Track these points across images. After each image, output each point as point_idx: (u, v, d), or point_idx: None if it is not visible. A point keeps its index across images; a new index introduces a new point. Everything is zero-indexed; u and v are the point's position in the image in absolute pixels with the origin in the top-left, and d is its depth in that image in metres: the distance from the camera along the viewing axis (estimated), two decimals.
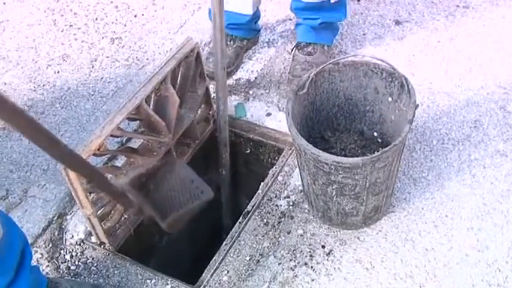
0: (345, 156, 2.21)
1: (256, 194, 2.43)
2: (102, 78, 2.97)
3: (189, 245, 2.93)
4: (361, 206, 2.10)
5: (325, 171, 1.97)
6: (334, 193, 2.06)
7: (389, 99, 2.16)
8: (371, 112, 2.26)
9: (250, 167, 2.85)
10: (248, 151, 2.79)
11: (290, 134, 2.05)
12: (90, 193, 2.16)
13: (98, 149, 2.09)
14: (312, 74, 2.13)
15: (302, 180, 2.21)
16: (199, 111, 2.58)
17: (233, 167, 2.79)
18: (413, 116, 1.95)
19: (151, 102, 2.32)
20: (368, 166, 1.92)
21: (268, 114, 2.71)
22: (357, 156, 2.20)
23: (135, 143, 2.56)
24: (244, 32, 2.94)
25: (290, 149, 2.58)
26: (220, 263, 2.20)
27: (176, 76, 2.40)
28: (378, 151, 2.14)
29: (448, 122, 2.50)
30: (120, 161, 2.56)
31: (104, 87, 2.92)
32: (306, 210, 2.30)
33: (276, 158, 2.70)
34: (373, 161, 1.90)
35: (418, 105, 1.98)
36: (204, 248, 3.02)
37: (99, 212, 2.21)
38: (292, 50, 2.86)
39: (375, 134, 2.29)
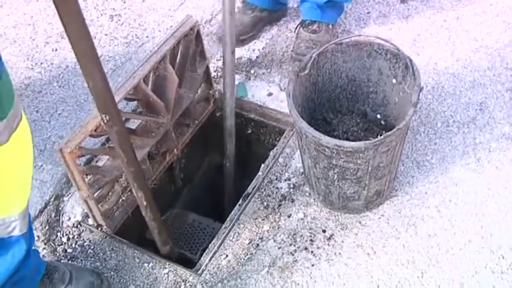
0: (347, 139, 2.15)
1: (257, 176, 2.37)
2: (100, 56, 2.83)
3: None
4: (363, 191, 2.04)
5: (326, 155, 1.91)
6: (335, 177, 2.00)
7: (394, 80, 2.09)
8: (374, 94, 2.19)
9: (251, 147, 2.79)
10: (249, 131, 2.73)
11: (292, 116, 1.98)
12: (86, 175, 2.11)
13: (95, 130, 2.04)
14: (314, 55, 2.06)
15: (303, 162, 2.15)
16: (199, 91, 2.51)
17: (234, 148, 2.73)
18: (418, 99, 1.89)
19: (150, 82, 2.25)
20: (371, 150, 1.86)
21: (270, 94, 2.64)
22: (360, 139, 2.14)
23: (133, 124, 2.49)
24: (264, 2, 2.83)
25: (291, 130, 2.52)
26: (219, 247, 2.15)
27: (175, 55, 2.33)
28: (381, 134, 2.08)
29: (453, 103, 2.43)
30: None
31: (103, 66, 2.83)
32: (307, 194, 2.25)
33: (277, 139, 2.64)
34: (376, 146, 1.84)
35: (422, 88, 1.91)
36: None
37: (96, 194, 2.16)
38: (296, 28, 2.78)
39: (378, 116, 2.22)
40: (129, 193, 2.34)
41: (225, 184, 2.77)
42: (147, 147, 2.24)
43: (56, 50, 2.99)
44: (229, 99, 2.45)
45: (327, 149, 1.88)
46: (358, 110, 2.26)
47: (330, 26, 2.74)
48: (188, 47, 2.36)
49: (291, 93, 1.98)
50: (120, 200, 2.32)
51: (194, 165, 2.81)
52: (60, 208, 2.35)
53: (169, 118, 2.29)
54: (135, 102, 2.54)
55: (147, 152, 2.25)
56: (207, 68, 2.51)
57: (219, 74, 2.74)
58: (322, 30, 2.70)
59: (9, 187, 1.53)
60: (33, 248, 1.85)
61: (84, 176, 2.08)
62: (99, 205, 2.19)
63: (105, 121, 1.61)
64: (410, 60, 1.98)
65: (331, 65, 2.14)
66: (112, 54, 2.90)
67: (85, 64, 1.45)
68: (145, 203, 1.98)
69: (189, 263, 2.27)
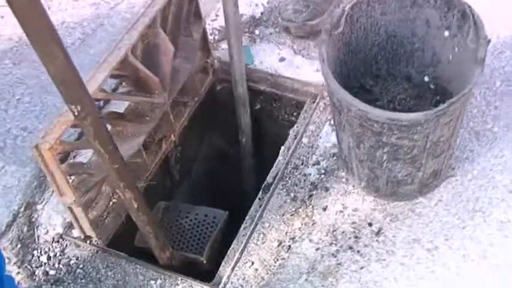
0: (394, 110, 2.08)
1: (277, 162, 2.31)
2: (63, 23, 2.79)
3: None
4: (418, 172, 1.99)
5: (374, 131, 1.85)
6: (384, 158, 1.94)
7: (446, 33, 2.03)
8: (421, 51, 2.13)
9: (262, 126, 2.73)
10: (258, 107, 2.67)
11: (325, 85, 1.92)
12: (70, 175, 2.02)
13: None
14: (347, 8, 1.99)
15: (340, 142, 2.08)
16: (196, 60, 2.42)
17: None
18: (485, 54, 1.82)
19: (138, 53, 2.16)
20: (431, 122, 1.80)
21: (282, 60, 2.57)
22: (409, 108, 2.08)
23: (118, 106, 2.40)
24: None
25: (313, 102, 2.45)
26: (241, 253, 2.09)
27: (166, 17, 2.24)
28: (436, 101, 2.03)
29: None
30: None
31: (68, 35, 2.74)
32: (343, 180, 2.19)
33: (295, 114, 2.58)
34: (438, 116, 1.78)
35: (489, 40, 1.85)
36: None
37: (82, 199, 2.07)
38: None
39: (426, 78, 2.17)
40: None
41: (243, 168, 2.69)
42: (143, 135, 2.16)
43: (3, 17, 2.86)
44: (238, 63, 2.37)
45: (375, 124, 1.82)
46: (400, 72, 2.20)
47: None
48: (181, 6, 2.28)
49: (325, 57, 1.90)
50: (111, 203, 2.23)
51: (191, 153, 2.74)
52: (33, 219, 2.26)
53: (166, 97, 2.20)
54: (115, 80, 2.45)
55: (143, 141, 2.16)
56: (204, 31, 2.43)
57: (215, 37, 2.66)
58: None
59: None
60: (4, 273, 1.76)
61: (68, 177, 1.98)
62: (86, 212, 2.10)
63: (76, 113, 1.49)
64: (470, 7, 1.92)
65: (366, 19, 2.07)
66: (78, 20, 2.80)
67: (40, 44, 1.32)
68: (135, 205, 1.89)
69: (196, 267, 2.24)
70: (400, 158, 1.93)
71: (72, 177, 2.05)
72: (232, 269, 2.06)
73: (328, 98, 2.39)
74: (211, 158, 2.83)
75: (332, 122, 2.35)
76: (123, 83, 2.30)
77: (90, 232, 2.14)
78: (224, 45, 2.59)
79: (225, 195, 2.79)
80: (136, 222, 1.92)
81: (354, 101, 1.81)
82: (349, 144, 1.99)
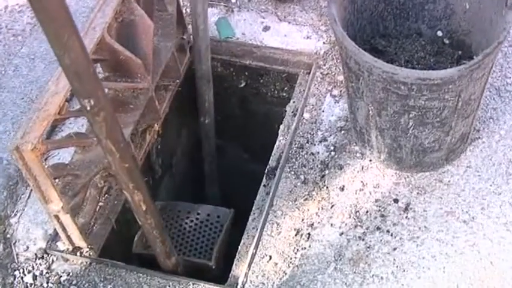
0: (414, 69, 2.07)
1: (278, 143, 2.27)
2: (6, 7, 2.67)
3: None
4: (447, 137, 1.99)
5: (400, 94, 1.83)
6: (410, 124, 1.93)
7: None
8: (432, 3, 2.14)
9: (247, 106, 2.68)
10: (243, 84, 2.62)
11: (341, 48, 1.89)
12: (55, 178, 1.93)
13: (59, 112, 1.86)
14: None
15: (355, 113, 2.06)
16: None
17: (222, 110, 2.61)
18: None
19: (113, 33, 2.08)
20: (465, 78, 1.80)
21: (266, 28, 2.54)
22: (430, 67, 2.07)
23: None
24: None
25: (308, 73, 2.42)
26: (256, 247, 2.05)
27: None
28: (457, 56, 2.03)
29: None
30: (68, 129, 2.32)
31: (14, 21, 2.62)
32: (358, 154, 2.18)
33: (286, 88, 2.55)
34: (472, 70, 1.78)
35: None
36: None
37: (70, 205, 1.99)
38: None
39: (439, 33, 2.17)
40: (107, 196, 2.18)
41: (203, 151, 2.67)
42: (129, 126, 2.09)
43: None
44: (203, 34, 2.32)
45: (402, 87, 1.80)
46: (409, 28, 2.19)
47: None
48: None
49: (336, 17, 1.87)
50: (98, 207, 2.16)
51: (171, 144, 2.67)
52: (8, 235, 2.16)
53: (150, 80, 2.13)
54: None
55: (130, 133, 2.09)
56: (178, 3, 2.36)
57: (187, 10, 2.59)
58: None
59: None
60: None
61: (53, 180, 1.90)
62: (74, 219, 2.02)
63: (88, 108, 1.43)
64: None
65: None
66: (24, 2, 2.69)
67: (54, 32, 1.25)
68: (144, 208, 1.83)
69: (203, 273, 2.18)
70: (428, 123, 1.92)
71: (57, 181, 1.95)
72: (249, 266, 2.02)
73: (325, 67, 2.37)
74: (192, 148, 2.77)
75: (333, 93, 2.33)
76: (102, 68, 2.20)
77: (79, 242, 2.07)
78: None
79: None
80: (142, 226, 1.86)
81: (377, 63, 1.79)
82: (369, 113, 1.97)
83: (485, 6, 1.96)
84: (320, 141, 2.24)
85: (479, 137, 2.15)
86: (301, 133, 2.26)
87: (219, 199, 2.86)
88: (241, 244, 2.08)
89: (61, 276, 2.07)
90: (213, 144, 2.69)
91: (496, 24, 1.88)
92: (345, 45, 1.83)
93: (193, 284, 2.02)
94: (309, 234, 2.05)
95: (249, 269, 2.01)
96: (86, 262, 2.08)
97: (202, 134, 2.65)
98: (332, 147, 2.21)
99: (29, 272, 2.09)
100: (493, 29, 1.89)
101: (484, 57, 1.76)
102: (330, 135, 2.24)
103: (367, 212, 2.06)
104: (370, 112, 1.97)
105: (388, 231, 2.02)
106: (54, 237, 2.12)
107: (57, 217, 1.98)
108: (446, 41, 2.16)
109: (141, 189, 1.73)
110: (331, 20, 1.87)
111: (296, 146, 2.24)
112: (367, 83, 1.87)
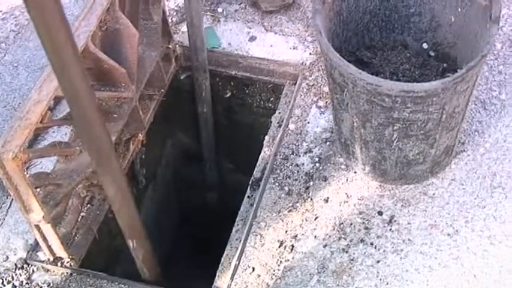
0: (399, 82, 2.08)
1: (262, 154, 2.28)
2: None
3: (157, 240, 2.77)
4: (431, 149, 2.00)
5: (385, 106, 1.84)
6: (394, 136, 1.94)
7: None
8: (417, 16, 2.15)
9: (233, 116, 2.69)
10: (228, 94, 2.64)
11: (326, 60, 1.90)
12: (36, 188, 1.93)
13: (41, 121, 1.86)
14: None
15: (340, 124, 2.07)
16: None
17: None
18: (500, 10, 1.84)
19: (97, 42, 2.09)
20: (449, 91, 1.81)
21: (252, 39, 2.55)
22: (415, 79, 2.08)
23: None
24: None
25: (294, 83, 2.43)
26: (239, 259, 2.05)
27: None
28: (441, 69, 2.05)
29: None
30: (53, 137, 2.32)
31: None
32: (343, 166, 2.19)
33: (272, 99, 2.56)
34: (456, 83, 1.79)
35: None
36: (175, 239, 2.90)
37: (52, 215, 1.99)
38: None
39: (425, 45, 2.18)
40: (89, 205, 2.19)
41: (202, 139, 2.68)
42: (112, 136, 2.08)
43: None
44: (198, 28, 2.36)
45: (386, 99, 1.81)
46: (394, 40, 2.21)
47: None
48: None
49: (321, 28, 1.88)
50: (80, 217, 2.16)
51: (156, 154, 2.68)
52: None
53: (134, 89, 2.14)
54: None
55: (114, 142, 2.09)
56: (164, 12, 2.38)
57: (173, 19, 2.61)
58: None
59: None
60: None
61: (35, 189, 1.90)
62: (56, 229, 2.02)
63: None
64: None
65: None
66: (7, 9, 2.72)
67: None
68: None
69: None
70: (413, 135, 1.93)
71: (38, 190, 1.95)
72: (232, 277, 2.02)
73: (311, 78, 2.38)
74: (176, 159, 2.78)
75: (319, 104, 2.34)
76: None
77: (60, 252, 2.07)
78: (184, 27, 2.54)
79: (194, 198, 2.76)
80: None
81: (361, 75, 1.80)
82: (354, 125, 1.98)
83: (470, 19, 1.97)
84: (305, 153, 2.24)
85: (464, 150, 2.16)
86: (286, 144, 2.27)
87: (219, 186, 2.89)
88: (224, 255, 2.09)
89: (41, 287, 2.06)
90: (212, 132, 2.71)
91: (480, 38, 1.89)
92: (330, 56, 1.84)
93: None
94: (292, 246, 2.05)
95: (232, 280, 2.01)
96: (67, 273, 2.08)
97: (201, 122, 2.67)
98: (317, 159, 2.22)
99: (9, 282, 2.08)
100: (478, 42, 1.91)
101: (467, 70, 1.78)
102: (315, 147, 2.25)
103: (351, 224, 2.07)
104: (355, 124, 1.98)
105: (372, 243, 2.03)
106: (35, 247, 2.12)
107: (38, 227, 1.98)
108: (432, 54, 2.18)
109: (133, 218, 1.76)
110: (316, 31, 1.88)
111: (281, 157, 2.24)
112: (352, 95, 1.88)
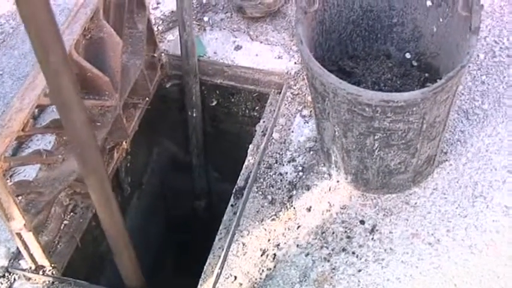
0: (381, 91, 2.10)
1: (246, 163, 2.29)
2: None
3: (144, 249, 2.78)
4: (413, 159, 2.01)
5: (365, 116, 1.86)
6: (376, 145, 1.96)
7: (428, 3, 2.08)
8: (400, 26, 2.17)
9: (218, 125, 2.71)
10: (214, 103, 2.65)
11: (307, 69, 1.92)
12: (17, 196, 1.94)
13: (23, 129, 1.88)
14: None
15: (322, 133, 2.09)
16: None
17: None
18: (480, 21, 1.86)
19: (80, 50, 2.11)
20: (428, 101, 1.82)
21: (238, 48, 2.57)
22: (397, 89, 2.10)
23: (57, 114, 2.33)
24: None
25: (278, 92, 2.45)
26: (221, 267, 2.06)
27: (107, 8, 2.19)
28: (423, 78, 2.06)
29: (496, 24, 2.45)
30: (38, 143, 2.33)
31: None
32: (326, 175, 2.20)
33: (257, 108, 2.57)
34: (435, 93, 1.81)
35: (483, 5, 1.89)
36: (162, 248, 2.91)
37: (32, 223, 2.00)
38: None
39: (408, 55, 2.20)
40: (72, 214, 2.20)
41: (191, 146, 2.70)
42: None
43: None
44: (189, 30, 2.37)
45: (367, 108, 1.83)
46: (378, 50, 2.23)
47: None
48: None
49: (303, 38, 1.90)
50: (63, 225, 2.17)
51: (141, 162, 2.69)
52: None
53: (118, 98, 2.15)
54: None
55: None
56: (149, 21, 2.39)
57: (159, 28, 2.63)
58: None
59: None
60: None
61: (16, 198, 1.91)
62: (38, 237, 2.03)
63: None
64: None
65: None
66: None
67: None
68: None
69: None
70: (394, 144, 1.95)
71: (20, 198, 1.96)
72: (214, 286, 2.04)
73: (296, 87, 2.40)
74: (163, 167, 2.79)
75: (303, 113, 2.36)
76: None
77: (42, 261, 2.07)
78: (170, 36, 2.56)
79: (179, 206, 2.77)
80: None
81: (341, 84, 1.81)
82: (335, 134, 2.00)
83: (452, 30, 1.99)
84: (288, 162, 2.26)
85: (446, 160, 2.18)
86: (270, 153, 2.29)
87: (207, 194, 2.91)
88: (206, 264, 2.10)
89: None
90: (201, 137, 2.72)
91: (461, 48, 1.91)
92: (311, 66, 1.86)
93: None
94: (274, 254, 2.07)
95: None
96: (49, 281, 2.08)
97: (190, 127, 2.68)
98: (300, 168, 2.24)
99: None
100: (459, 53, 1.93)
101: (447, 80, 1.80)
102: (299, 156, 2.26)
103: (333, 233, 2.08)
104: (336, 133, 1.99)
105: (353, 252, 2.04)
106: (16, 256, 2.13)
107: (19, 235, 1.98)
108: (415, 63, 2.20)
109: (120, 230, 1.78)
110: (297, 41, 1.90)
111: (264, 166, 2.26)
112: (333, 104, 1.90)
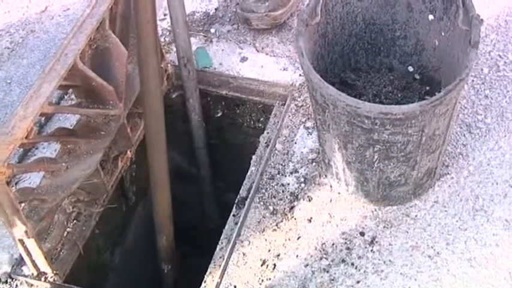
0: (381, 104, 2.13)
1: (249, 173, 2.33)
2: None
3: (149, 259, 2.81)
4: (412, 171, 2.04)
5: (364, 128, 1.89)
6: (375, 157, 1.98)
7: (431, 17, 2.10)
8: (403, 39, 2.20)
9: (224, 136, 2.74)
10: (219, 114, 2.69)
11: (308, 81, 1.95)
12: (20, 202, 1.99)
13: (26, 137, 1.92)
14: None
15: (323, 145, 2.12)
16: None
17: None
18: (479, 36, 1.89)
19: (86, 60, 2.15)
20: (427, 114, 1.85)
21: (244, 59, 2.60)
22: (398, 102, 2.13)
23: (62, 122, 2.39)
24: None
25: (283, 104, 2.48)
26: (221, 277, 2.09)
27: (113, 18, 2.24)
28: (424, 91, 2.09)
29: (501, 39, 2.47)
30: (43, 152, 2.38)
31: None
32: (328, 187, 2.23)
33: (262, 119, 2.61)
34: (434, 106, 1.83)
35: (482, 20, 1.92)
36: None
37: (35, 229, 2.04)
38: None
39: (410, 68, 2.23)
40: (75, 221, 2.23)
41: (195, 147, 2.74)
42: (99, 152, 2.14)
43: None
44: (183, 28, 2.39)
45: (366, 120, 1.86)
46: (380, 63, 2.26)
47: None
48: (129, 5, 2.28)
49: (303, 50, 1.93)
50: (66, 232, 2.21)
51: (146, 171, 2.71)
52: None
53: (122, 107, 2.20)
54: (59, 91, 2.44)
55: (100, 159, 2.14)
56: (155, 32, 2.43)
57: (166, 39, 2.67)
58: None
59: None
60: None
61: (18, 204, 1.95)
62: (40, 244, 2.07)
63: None
64: None
65: (342, 7, 2.12)
66: (3, 27, 2.77)
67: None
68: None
69: None
70: (393, 157, 1.97)
71: (23, 205, 2.01)
72: None
73: (300, 99, 2.43)
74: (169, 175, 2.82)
75: (307, 125, 2.39)
76: (73, 94, 2.27)
77: (44, 267, 2.11)
78: None
79: (186, 217, 2.79)
80: None
81: (341, 96, 1.84)
82: (335, 146, 2.02)
83: (453, 43, 2.02)
84: (291, 173, 2.29)
85: (447, 173, 2.20)
86: (272, 164, 2.31)
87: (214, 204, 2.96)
88: (207, 273, 2.13)
89: None
90: (207, 152, 2.78)
91: (462, 62, 1.94)
92: (311, 78, 1.89)
93: None
94: (274, 265, 2.09)
95: None
96: None
97: (195, 137, 2.73)
98: (302, 179, 2.27)
99: None
100: (460, 66, 1.96)
101: (445, 93, 1.82)
102: (301, 167, 2.29)
103: (333, 244, 2.11)
104: (337, 145, 2.02)
105: (352, 264, 2.07)
106: (19, 262, 2.16)
107: (21, 241, 2.02)
108: (417, 77, 2.22)
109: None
110: (298, 53, 1.93)
111: (267, 176, 2.29)
112: (333, 116, 1.93)
